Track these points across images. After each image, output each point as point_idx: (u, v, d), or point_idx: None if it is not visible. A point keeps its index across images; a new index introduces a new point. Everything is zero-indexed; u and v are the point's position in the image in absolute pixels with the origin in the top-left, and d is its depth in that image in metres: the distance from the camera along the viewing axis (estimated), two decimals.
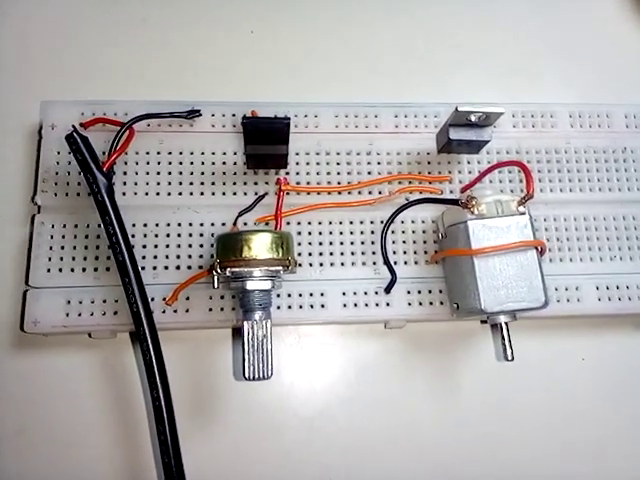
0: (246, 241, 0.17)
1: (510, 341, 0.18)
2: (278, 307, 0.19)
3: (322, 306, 0.20)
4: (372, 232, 0.21)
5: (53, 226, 0.20)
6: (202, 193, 0.20)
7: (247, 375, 0.16)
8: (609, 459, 0.20)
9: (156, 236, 0.20)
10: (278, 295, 0.19)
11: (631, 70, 0.24)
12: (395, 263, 0.20)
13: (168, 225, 0.20)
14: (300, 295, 0.20)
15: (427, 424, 0.20)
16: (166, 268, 0.20)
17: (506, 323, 0.18)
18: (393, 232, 0.21)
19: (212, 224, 0.20)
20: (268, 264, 0.17)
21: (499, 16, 0.25)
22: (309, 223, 0.20)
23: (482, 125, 0.19)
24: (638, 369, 0.21)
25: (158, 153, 0.20)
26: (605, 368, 0.21)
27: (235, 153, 0.21)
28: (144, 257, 0.19)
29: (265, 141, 0.18)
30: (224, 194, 0.20)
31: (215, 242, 0.18)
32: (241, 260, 0.17)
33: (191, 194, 0.20)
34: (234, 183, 0.21)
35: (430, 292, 0.20)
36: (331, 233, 0.20)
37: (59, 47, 0.22)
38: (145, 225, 0.20)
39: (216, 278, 0.17)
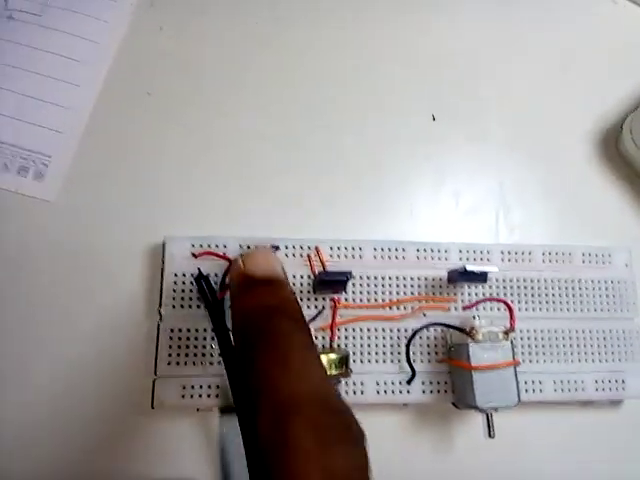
0: None
1: (492, 424, 0.27)
2: None
3: (362, 392, 0.28)
4: (398, 338, 0.28)
5: (172, 330, 0.27)
6: None
7: None
8: None
9: None
10: None
11: (589, 216, 0.33)
12: (414, 361, 0.28)
13: None
14: (346, 384, 0.28)
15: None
16: None
17: (490, 413, 0.27)
18: (413, 337, 0.29)
19: None
20: (335, 377, 0.25)
21: (488, 164, 0.33)
22: (353, 330, 0.28)
23: (481, 273, 0.27)
24: (585, 437, 0.30)
25: None
26: (560, 439, 0.30)
27: (302, 277, 0.28)
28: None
29: (331, 284, 0.26)
30: None
31: None
32: None
33: None
34: (301, 299, 0.28)
35: (438, 383, 0.28)
36: (369, 337, 0.28)
37: (176, 189, 0.30)
38: None
39: None
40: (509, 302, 0.27)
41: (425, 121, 0.33)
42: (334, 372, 0.25)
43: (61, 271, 0.28)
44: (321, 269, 0.27)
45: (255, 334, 0.19)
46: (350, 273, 0.25)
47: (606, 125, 0.34)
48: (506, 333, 0.26)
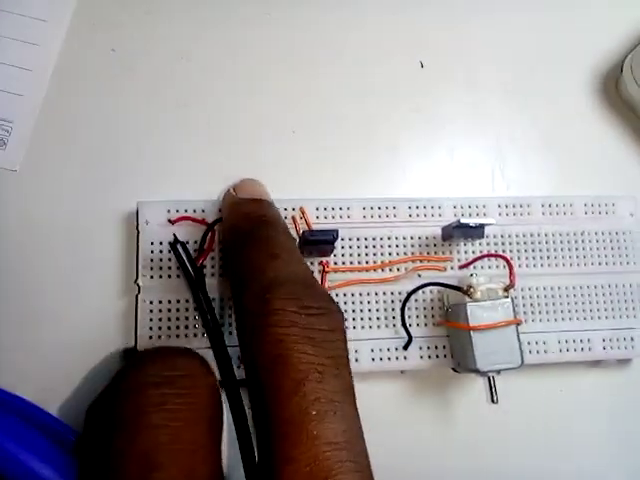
0: None
1: (495, 388, 0.25)
2: None
3: (356, 360, 0.26)
4: (392, 301, 0.27)
5: (151, 302, 0.25)
6: None
7: None
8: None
9: (230, 308, 0.26)
10: None
11: (591, 165, 0.31)
12: (410, 325, 0.27)
13: None
14: None
15: (429, 449, 0.27)
16: None
17: (493, 377, 0.25)
18: (407, 300, 0.27)
19: None
20: None
21: (484, 115, 0.31)
22: (344, 295, 0.27)
23: (478, 227, 0.26)
24: (592, 397, 0.29)
25: None
26: (566, 401, 0.28)
27: None
28: (223, 324, 0.25)
29: (318, 244, 0.24)
30: None
31: None
32: None
33: None
34: None
35: (437, 347, 0.27)
36: (361, 302, 0.27)
37: (148, 152, 0.28)
38: (222, 300, 0.26)
39: None
40: (508, 257, 0.25)
41: (412, 69, 0.30)
42: None
43: (29, 245, 0.26)
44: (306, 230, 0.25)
45: (244, 238, 0.21)
46: (337, 232, 0.24)
47: (605, 67, 0.32)
48: (506, 290, 0.25)
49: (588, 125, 0.31)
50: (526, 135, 0.31)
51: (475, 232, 0.26)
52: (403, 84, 0.30)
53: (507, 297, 0.25)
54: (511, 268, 0.25)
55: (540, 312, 0.28)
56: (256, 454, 0.19)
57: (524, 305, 0.28)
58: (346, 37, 0.30)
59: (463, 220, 0.25)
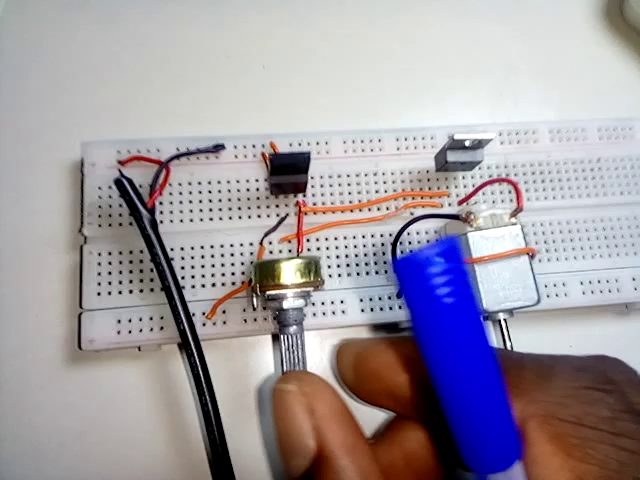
0: (282, 268, 0.19)
1: (509, 335, 0.21)
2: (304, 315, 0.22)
3: (343, 312, 0.22)
4: (382, 244, 0.23)
5: (100, 254, 0.22)
6: (230, 217, 0.23)
7: None
8: None
9: (192, 258, 0.22)
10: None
11: (602, 87, 0.27)
12: None
13: (202, 248, 0.22)
14: (323, 303, 0.22)
15: None
16: (203, 286, 0.22)
17: (505, 319, 0.21)
18: (401, 243, 0.23)
19: (241, 244, 0.23)
20: (301, 286, 0.19)
21: (483, 44, 0.27)
22: (326, 239, 0.23)
23: (475, 148, 0.22)
24: (619, 350, 0.24)
25: (189, 184, 0.23)
26: (590, 352, 0.24)
27: (257, 180, 0.23)
28: (183, 277, 0.22)
29: (288, 172, 0.21)
30: (249, 217, 0.23)
31: (253, 269, 0.20)
32: (278, 285, 0.19)
33: (220, 219, 0.23)
34: (258, 207, 0.23)
35: None
36: (346, 247, 0.23)
37: (93, 88, 0.24)
38: (182, 249, 0.22)
39: (255, 300, 0.20)
40: (513, 180, 0.21)
41: None
42: (300, 280, 0.19)
43: None
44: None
45: None
46: (309, 153, 0.20)
47: None
48: (513, 215, 0.21)
49: (595, 49, 0.28)
50: (526, 61, 0.27)
51: (473, 156, 0.22)
52: (389, 9, 0.27)
53: (515, 224, 0.21)
54: (518, 191, 0.21)
55: (556, 250, 0.24)
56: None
57: (536, 243, 0.24)
58: None
59: (458, 136, 0.21)
